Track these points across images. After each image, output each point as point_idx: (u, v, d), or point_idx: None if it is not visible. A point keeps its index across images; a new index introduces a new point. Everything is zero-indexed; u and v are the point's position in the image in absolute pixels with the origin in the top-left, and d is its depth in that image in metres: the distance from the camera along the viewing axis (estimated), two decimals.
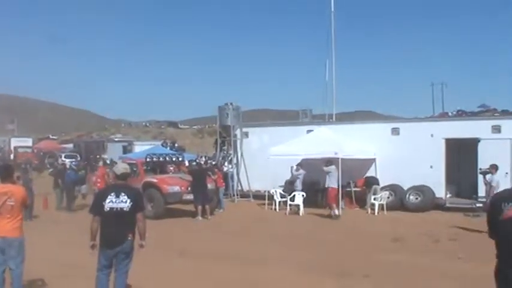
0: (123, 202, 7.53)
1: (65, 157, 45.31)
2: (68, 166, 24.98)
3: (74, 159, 40.34)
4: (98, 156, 40.79)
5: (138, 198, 7.89)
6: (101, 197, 7.76)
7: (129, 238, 7.52)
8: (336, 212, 19.75)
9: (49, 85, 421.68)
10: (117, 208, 7.51)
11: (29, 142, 58.70)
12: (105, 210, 7.52)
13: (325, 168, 19.85)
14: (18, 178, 15.80)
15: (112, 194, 7.60)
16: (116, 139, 54.13)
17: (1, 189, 7.97)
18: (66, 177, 22.85)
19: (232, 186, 25.64)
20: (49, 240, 14.24)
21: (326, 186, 20.07)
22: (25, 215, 10.17)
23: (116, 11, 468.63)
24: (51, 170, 28.91)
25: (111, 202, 7.53)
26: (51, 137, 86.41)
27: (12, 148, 54.36)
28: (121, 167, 8.12)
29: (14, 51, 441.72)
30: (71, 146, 54.59)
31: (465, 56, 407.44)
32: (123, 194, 7.59)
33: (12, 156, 51.03)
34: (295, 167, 22.16)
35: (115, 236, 7.49)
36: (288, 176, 23.00)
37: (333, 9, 32.69)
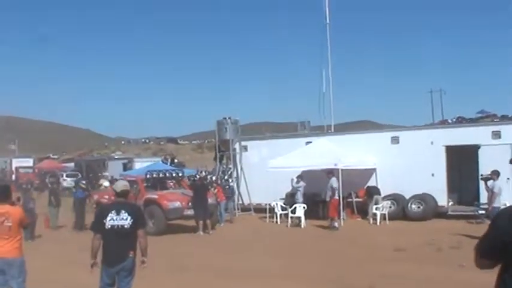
0: (124, 219, 7.50)
1: (66, 176, 45.41)
2: (69, 184, 24.99)
3: (75, 178, 40.39)
4: (99, 175, 40.87)
5: (139, 215, 7.88)
6: (101, 214, 7.73)
7: (131, 255, 7.49)
8: (336, 224, 19.70)
9: (49, 105, 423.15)
10: (118, 225, 7.48)
11: (30, 162, 58.80)
12: (106, 227, 7.49)
13: (329, 185, 19.84)
14: (18, 199, 15.80)
15: (113, 211, 7.58)
16: (116, 157, 54.29)
17: None
18: (74, 195, 22.85)
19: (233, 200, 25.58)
20: (51, 260, 14.15)
21: (327, 199, 20.06)
22: (26, 235, 10.17)
23: (114, 30, 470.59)
24: None
25: (112, 220, 7.50)
26: (52, 156, 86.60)
27: (13, 169, 54.43)
28: (120, 185, 8.12)
29: (14, 71, 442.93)
30: (72, 165, 54.67)
31: (463, 62, 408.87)
32: (123, 211, 7.56)
33: (14, 177, 51.08)
34: (295, 179, 22.09)
35: (116, 253, 7.45)
36: (289, 189, 22.94)
37: (328, 21, 32.71)
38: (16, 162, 57.08)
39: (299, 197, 21.69)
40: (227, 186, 24.80)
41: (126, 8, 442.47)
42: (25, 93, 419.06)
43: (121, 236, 7.44)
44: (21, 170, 52.78)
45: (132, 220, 7.52)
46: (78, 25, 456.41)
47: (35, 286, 8.96)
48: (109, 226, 7.48)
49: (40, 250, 14.98)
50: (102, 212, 7.89)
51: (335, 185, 19.94)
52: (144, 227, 7.83)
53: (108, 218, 7.51)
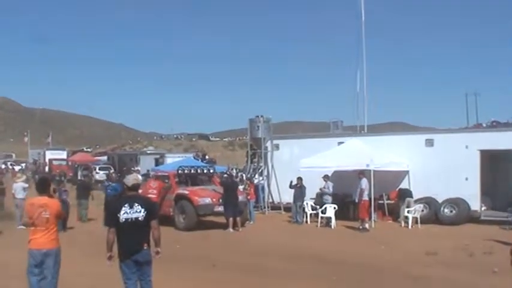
0: (138, 212, 7.64)
1: (99, 169, 45.95)
2: (102, 178, 25.15)
3: (107, 171, 40.84)
4: (131, 169, 41.24)
5: (151, 207, 8.01)
6: (114, 209, 7.83)
7: (145, 248, 7.64)
8: (366, 225, 19.56)
9: (84, 99, 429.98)
10: (132, 218, 7.61)
11: (63, 155, 59.64)
12: (121, 221, 7.62)
13: (359, 186, 19.69)
14: (54, 191, 15.99)
15: (126, 205, 7.70)
16: (148, 152, 54.70)
17: (38, 201, 8.19)
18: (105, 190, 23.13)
19: (263, 198, 25.59)
20: (82, 251, 14.37)
21: (356, 200, 19.96)
22: (58, 226, 10.28)
23: (147, 30, 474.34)
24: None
25: (126, 213, 7.63)
26: (85, 149, 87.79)
27: (47, 160, 55.26)
28: (131, 178, 8.24)
29: (50, 65, 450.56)
30: (104, 158, 55.31)
31: (499, 66, 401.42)
32: (136, 204, 7.70)
33: (47, 169, 51.86)
34: (324, 183, 21.75)
35: (132, 246, 7.60)
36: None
37: (363, 19, 32.50)
38: (50, 154, 57.97)
39: (328, 198, 21.51)
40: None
41: (159, 8, 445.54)
42: (60, 87, 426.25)
43: (135, 229, 7.59)
44: (54, 162, 53.56)
45: (145, 212, 7.66)
46: (113, 23, 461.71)
47: (67, 276, 9.09)
48: (123, 220, 7.61)
49: (72, 241, 15.17)
50: (115, 206, 7.97)
51: (364, 186, 19.80)
52: (157, 218, 7.91)
53: (122, 212, 7.63)
